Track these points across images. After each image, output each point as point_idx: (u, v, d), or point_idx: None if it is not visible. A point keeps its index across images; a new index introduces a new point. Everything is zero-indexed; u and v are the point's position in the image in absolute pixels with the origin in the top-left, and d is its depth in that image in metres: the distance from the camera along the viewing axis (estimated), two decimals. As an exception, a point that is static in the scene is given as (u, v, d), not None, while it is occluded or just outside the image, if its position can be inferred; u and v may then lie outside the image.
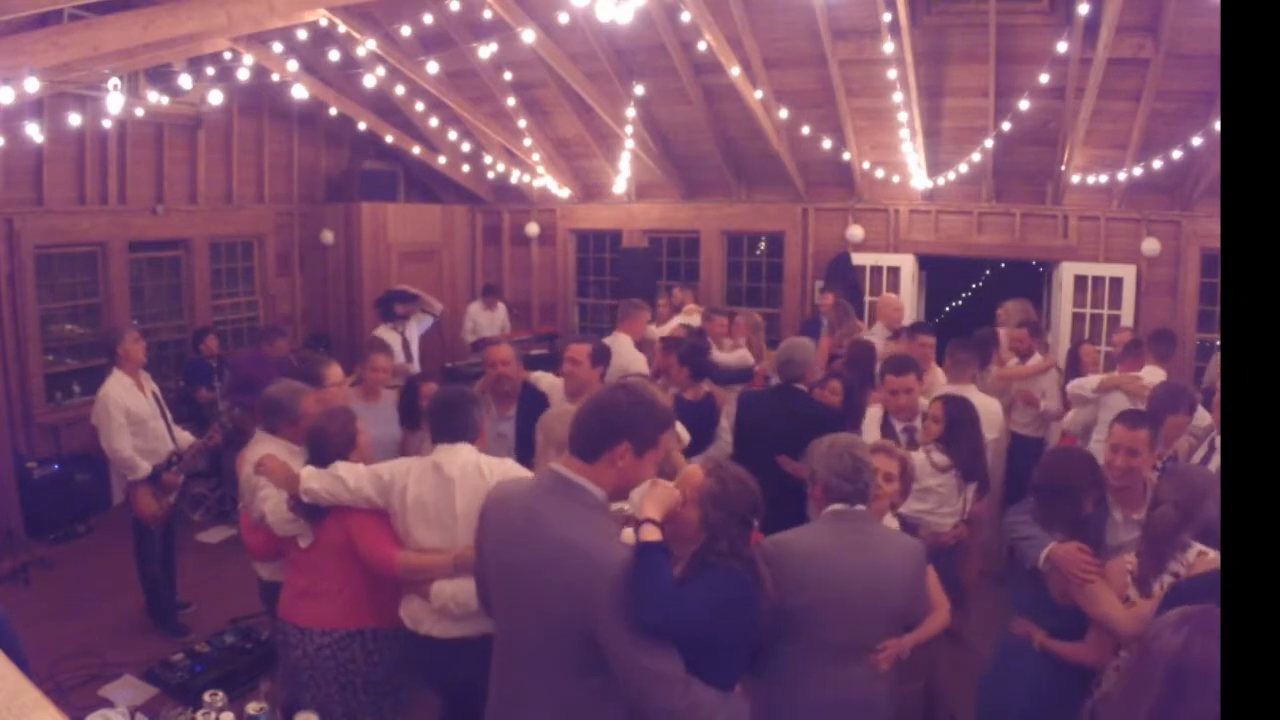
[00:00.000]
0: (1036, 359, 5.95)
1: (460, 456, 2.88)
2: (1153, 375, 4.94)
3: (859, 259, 8.44)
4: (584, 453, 2.14)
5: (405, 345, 7.13)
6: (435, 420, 3.00)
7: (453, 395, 3.09)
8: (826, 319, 6.86)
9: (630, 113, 7.84)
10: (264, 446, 3.35)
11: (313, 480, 2.96)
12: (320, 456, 3.03)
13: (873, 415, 4.44)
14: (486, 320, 8.91)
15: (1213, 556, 2.53)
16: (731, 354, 6.36)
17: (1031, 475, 3.09)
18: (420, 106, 8.26)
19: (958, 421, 3.95)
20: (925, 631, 2.86)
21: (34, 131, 5.94)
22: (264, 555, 3.40)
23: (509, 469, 2.87)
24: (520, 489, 2.30)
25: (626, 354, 5.38)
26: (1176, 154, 6.62)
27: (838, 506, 2.67)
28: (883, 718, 2.74)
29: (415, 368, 6.86)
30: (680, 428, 3.96)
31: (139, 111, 7.25)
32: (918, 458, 3.84)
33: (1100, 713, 2.58)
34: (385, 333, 7.07)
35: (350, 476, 2.94)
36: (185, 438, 5.22)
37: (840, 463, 2.67)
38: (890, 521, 3.05)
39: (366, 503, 2.93)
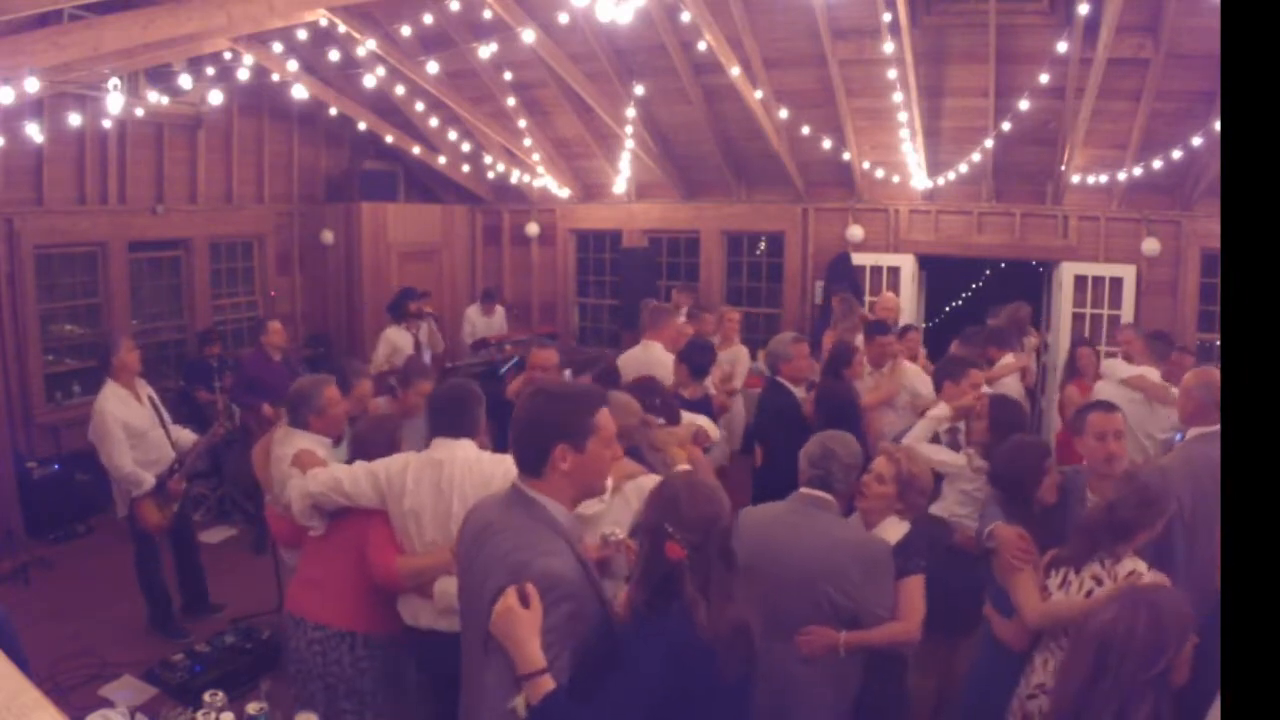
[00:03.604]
0: (1006, 360, 5.61)
1: (460, 452, 2.87)
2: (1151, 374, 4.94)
3: (859, 259, 8.44)
4: (529, 469, 2.04)
5: (417, 347, 7.15)
6: (437, 414, 2.97)
7: (458, 390, 3.08)
8: (833, 316, 6.85)
9: (630, 113, 7.83)
10: (296, 441, 3.37)
11: (313, 484, 2.97)
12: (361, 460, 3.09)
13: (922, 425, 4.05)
14: (484, 324, 8.94)
15: (1148, 579, 2.38)
16: (723, 352, 6.27)
17: None
18: (420, 106, 8.26)
19: (999, 424, 3.65)
20: (868, 637, 2.65)
21: (34, 131, 5.94)
22: (288, 541, 3.44)
23: (510, 465, 2.84)
24: (490, 500, 2.21)
25: (664, 363, 4.88)
26: (1176, 154, 6.62)
27: (802, 490, 2.85)
28: (806, 702, 2.65)
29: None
30: (707, 423, 3.90)
31: (139, 111, 7.24)
32: (959, 459, 3.75)
33: (1030, 709, 2.56)
34: (397, 333, 7.07)
35: (348, 479, 2.94)
36: (186, 436, 5.15)
37: (812, 448, 2.88)
38: (896, 525, 2.90)
39: (367, 503, 2.93)
